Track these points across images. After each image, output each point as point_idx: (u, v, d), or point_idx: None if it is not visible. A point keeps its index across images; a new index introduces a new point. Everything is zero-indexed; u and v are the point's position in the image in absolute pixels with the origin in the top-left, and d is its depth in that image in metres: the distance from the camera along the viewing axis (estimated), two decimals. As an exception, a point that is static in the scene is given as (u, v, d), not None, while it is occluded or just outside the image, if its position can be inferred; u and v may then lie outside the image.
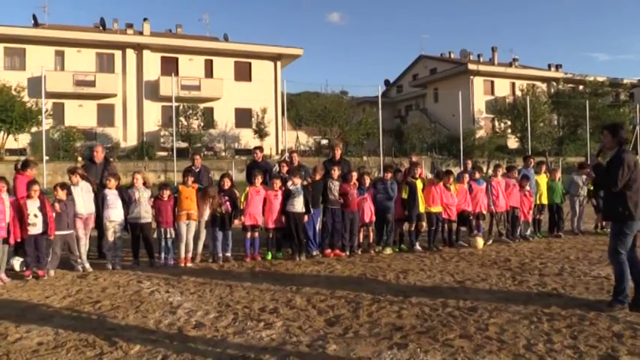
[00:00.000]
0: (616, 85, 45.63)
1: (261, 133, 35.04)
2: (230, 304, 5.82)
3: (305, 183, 9.01)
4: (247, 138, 36.22)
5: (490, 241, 10.10)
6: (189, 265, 8.29)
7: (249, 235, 8.82)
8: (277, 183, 8.92)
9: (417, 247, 9.37)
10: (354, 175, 9.21)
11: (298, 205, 8.73)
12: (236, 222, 8.79)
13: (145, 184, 8.49)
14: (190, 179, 8.65)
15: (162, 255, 8.41)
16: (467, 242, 9.80)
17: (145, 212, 8.29)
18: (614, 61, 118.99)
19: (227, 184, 8.98)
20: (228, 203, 8.68)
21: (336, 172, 9.18)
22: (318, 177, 9.16)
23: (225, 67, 37.88)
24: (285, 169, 9.97)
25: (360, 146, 36.51)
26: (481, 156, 34.60)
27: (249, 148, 36.57)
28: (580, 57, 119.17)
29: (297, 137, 37.42)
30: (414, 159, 11.54)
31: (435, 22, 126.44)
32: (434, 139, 39.47)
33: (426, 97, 50.66)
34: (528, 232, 10.81)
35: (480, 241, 9.55)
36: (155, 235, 8.42)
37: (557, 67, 50.57)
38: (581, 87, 42.50)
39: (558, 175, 11.46)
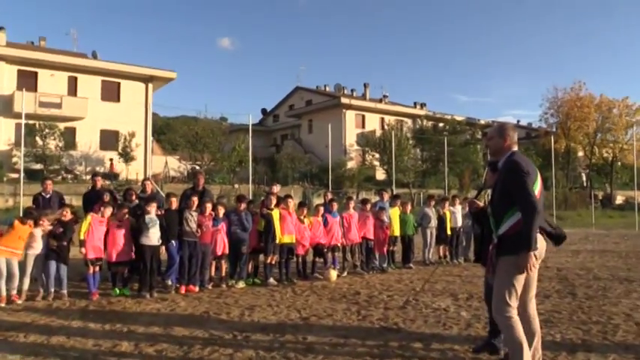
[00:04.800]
0: (472, 125, 49.84)
1: (126, 157, 33.21)
2: (42, 352, 5.10)
3: (159, 213, 8.44)
4: (113, 162, 34.19)
5: (345, 273, 10.17)
6: (18, 302, 7.31)
7: (91, 270, 8.00)
8: (125, 213, 8.29)
9: (271, 280, 9.13)
10: (209, 206, 8.80)
11: (154, 236, 8.12)
12: None
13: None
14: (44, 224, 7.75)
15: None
16: (322, 275, 9.76)
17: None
18: (474, 103, 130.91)
19: (67, 215, 8.18)
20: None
21: (194, 203, 8.72)
22: (173, 206, 8.64)
23: (92, 86, 35.72)
24: (133, 197, 9.33)
25: (233, 174, 35.96)
26: (351, 186, 35.72)
27: (115, 173, 34.58)
28: (443, 97, 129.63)
29: (166, 163, 36.01)
30: (275, 189, 11.24)
31: (312, 56, 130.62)
32: (307, 169, 40.08)
33: (301, 127, 51.70)
34: (385, 264, 11.05)
35: (333, 274, 9.55)
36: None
37: (422, 105, 54.27)
38: (441, 124, 45.84)
39: (410, 207, 11.94)
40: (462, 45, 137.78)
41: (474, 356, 4.95)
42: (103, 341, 5.48)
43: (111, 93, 36.69)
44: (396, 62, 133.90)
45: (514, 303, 4.05)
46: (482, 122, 52.30)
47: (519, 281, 4.04)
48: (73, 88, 35.44)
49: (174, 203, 8.63)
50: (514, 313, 4.04)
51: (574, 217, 32.97)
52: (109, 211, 8.20)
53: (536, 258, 4.05)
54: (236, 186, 32.01)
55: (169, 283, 8.39)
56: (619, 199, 46.00)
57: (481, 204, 4.94)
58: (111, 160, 33.72)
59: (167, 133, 47.54)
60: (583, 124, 46.31)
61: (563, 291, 8.52)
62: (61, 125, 32.91)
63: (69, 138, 33.33)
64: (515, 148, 4.34)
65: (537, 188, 4.10)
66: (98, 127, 35.29)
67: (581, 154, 51.91)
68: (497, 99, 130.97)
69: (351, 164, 41.80)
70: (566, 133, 47.14)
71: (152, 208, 8.22)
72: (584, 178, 52.99)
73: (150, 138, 37.36)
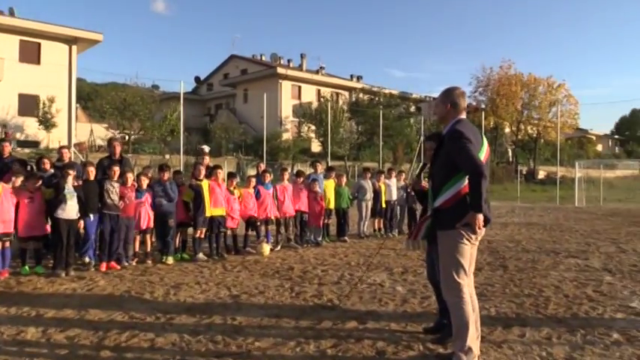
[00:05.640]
0: (405, 99, 50.37)
1: (47, 123, 31.13)
2: None
3: (76, 184, 7.71)
4: (33, 128, 32.00)
5: (279, 247, 9.85)
6: None
7: (-1, 245, 7.23)
8: (35, 183, 7.54)
9: (201, 255, 8.66)
10: (130, 176, 8.16)
11: (72, 209, 7.42)
12: None
13: None
14: None
15: None
16: (254, 249, 9.40)
17: None
18: (408, 78, 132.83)
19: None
20: None
21: (115, 173, 8.05)
22: (91, 176, 7.93)
23: (8, 46, 32.88)
24: (47, 165, 8.54)
25: (164, 143, 34.61)
26: (286, 158, 35.30)
27: (36, 140, 32.36)
28: (379, 71, 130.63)
29: (92, 131, 34.10)
30: (206, 158, 10.72)
31: (248, 24, 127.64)
32: (241, 140, 39.24)
33: (236, 97, 50.41)
34: (320, 238, 10.79)
35: (266, 248, 9.19)
36: None
37: (358, 78, 54.27)
38: (377, 98, 46.02)
39: (344, 180, 11.72)
40: (396, 20, 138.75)
41: (411, 334, 4.79)
42: (6, 328, 4.89)
43: (30, 54, 34.02)
44: (333, 34, 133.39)
45: (463, 280, 3.86)
46: (416, 96, 53.03)
47: (464, 255, 3.85)
48: (-14, 48, 32.63)
49: (92, 173, 7.94)
50: (465, 292, 3.85)
51: (500, 190, 34.18)
52: (19, 180, 7.40)
53: (475, 234, 3.87)
54: (167, 156, 30.84)
55: (87, 260, 7.76)
56: (541, 174, 48.28)
57: (426, 185, 4.67)
58: (3, 126, 31.16)
59: (95, 99, 44.94)
60: (510, 102, 47.87)
61: (495, 263, 8.61)
62: (-27, 88, 30.36)
63: (-18, 102, 30.81)
64: (463, 115, 4.07)
65: (482, 158, 3.89)
66: (16, 90, 32.75)
67: (507, 130, 53.87)
68: (431, 75, 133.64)
69: (286, 136, 41.26)
70: (495, 110, 48.65)
71: (69, 178, 7.50)
72: (510, 154, 55.15)
73: (74, 104, 35.22)
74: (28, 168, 8.45)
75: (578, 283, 7.11)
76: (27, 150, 28.76)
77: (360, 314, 5.48)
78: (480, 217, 3.72)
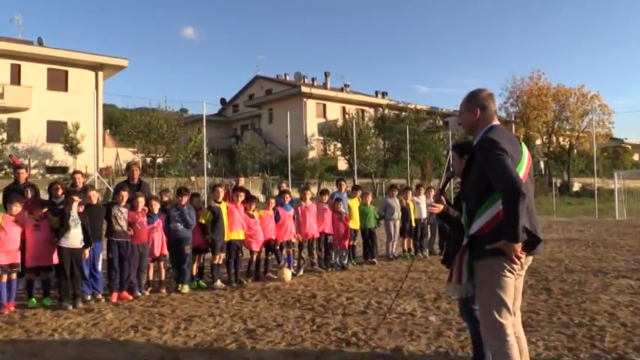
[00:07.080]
0: (433, 114, 49.58)
1: (72, 149, 31.39)
2: None
3: (80, 210, 7.27)
4: (62, 154, 32.37)
5: (301, 272, 9.26)
6: None
7: (4, 278, 6.82)
8: (41, 210, 7.16)
9: (219, 283, 8.13)
10: (141, 200, 7.71)
11: (75, 238, 7.00)
12: None
13: None
14: None
15: None
16: (276, 274, 8.83)
17: None
18: (434, 93, 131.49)
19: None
20: None
21: (123, 198, 7.62)
22: (93, 200, 7.52)
23: (37, 75, 33.56)
24: (60, 192, 8.17)
25: (190, 166, 34.56)
26: (312, 177, 34.81)
27: (64, 166, 32.67)
28: (404, 88, 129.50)
29: (117, 155, 34.30)
30: (241, 182, 10.41)
31: (272, 45, 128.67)
32: (267, 160, 38.98)
33: (262, 117, 50.40)
34: (345, 261, 10.16)
35: (287, 273, 8.60)
36: None
37: (384, 94, 53.73)
38: (403, 114, 45.34)
39: (370, 198, 11.07)
40: (420, 35, 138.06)
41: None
42: (-4, 371, 4.43)
43: (58, 82, 34.68)
44: (356, 52, 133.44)
45: (506, 319, 3.19)
46: (444, 110, 52.14)
47: (506, 290, 3.18)
48: (16, 77, 33.32)
49: (94, 197, 7.53)
50: (509, 333, 3.17)
51: (534, 204, 32.98)
52: (16, 207, 6.96)
53: (521, 264, 3.22)
54: (192, 178, 30.69)
55: (88, 298, 7.26)
56: (576, 186, 46.63)
57: (441, 206, 4.06)
58: (10, 155, 31.28)
59: (123, 124, 45.51)
60: (541, 113, 46.61)
61: (537, 286, 7.86)
62: (4, 116, 30.87)
63: (12, 130, 31.27)
64: (495, 121, 3.42)
65: (522, 171, 3.26)
66: (45, 117, 33.32)
67: (538, 142, 52.43)
68: (456, 89, 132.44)
69: (312, 154, 40.83)
70: (525, 122, 47.40)
71: (74, 205, 7.09)
72: (542, 166, 53.58)
73: (100, 129, 35.58)
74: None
75: (634, 309, 6.33)
76: (56, 175, 29.02)
77: (389, 352, 4.84)
78: (517, 246, 3.06)
